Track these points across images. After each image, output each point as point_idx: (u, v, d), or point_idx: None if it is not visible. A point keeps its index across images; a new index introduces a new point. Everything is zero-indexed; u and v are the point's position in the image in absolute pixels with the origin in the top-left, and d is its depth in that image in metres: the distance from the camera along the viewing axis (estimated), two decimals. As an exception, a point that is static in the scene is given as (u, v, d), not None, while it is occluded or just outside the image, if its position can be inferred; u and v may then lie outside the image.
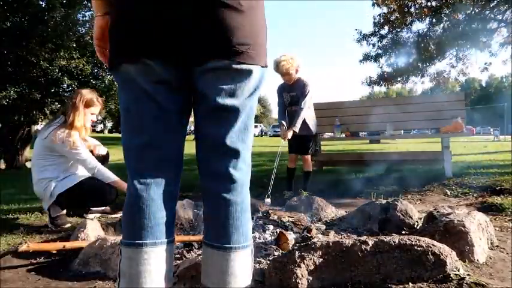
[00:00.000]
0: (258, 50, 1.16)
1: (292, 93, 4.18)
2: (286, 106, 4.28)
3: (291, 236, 2.29)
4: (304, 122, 4.14)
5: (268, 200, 3.65)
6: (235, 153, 1.20)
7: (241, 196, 1.22)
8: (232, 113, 1.18)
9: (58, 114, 3.40)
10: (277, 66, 4.06)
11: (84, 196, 3.16)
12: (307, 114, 4.19)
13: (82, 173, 3.20)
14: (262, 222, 2.64)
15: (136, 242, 1.12)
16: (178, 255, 2.26)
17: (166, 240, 1.16)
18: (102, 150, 3.51)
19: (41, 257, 2.29)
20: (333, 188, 4.49)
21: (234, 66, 1.12)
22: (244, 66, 1.14)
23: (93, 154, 3.32)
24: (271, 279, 1.69)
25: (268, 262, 1.91)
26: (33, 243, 2.43)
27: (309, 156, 4.43)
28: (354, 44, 14.13)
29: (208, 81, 1.14)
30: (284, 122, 4.18)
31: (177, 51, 1.09)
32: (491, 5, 10.75)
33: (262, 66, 1.20)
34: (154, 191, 1.15)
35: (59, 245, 2.30)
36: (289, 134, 4.00)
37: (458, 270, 1.65)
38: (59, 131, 3.04)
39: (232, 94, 1.15)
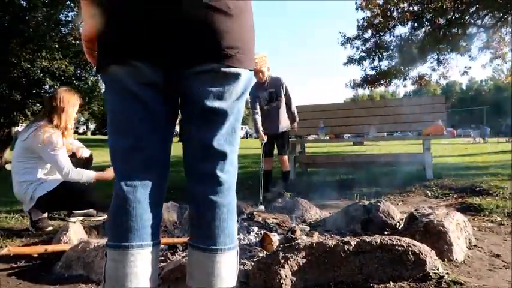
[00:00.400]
0: (246, 54, 1.17)
1: (271, 89, 4.29)
2: (263, 106, 4.33)
3: (276, 238, 2.31)
4: (284, 117, 4.38)
5: (262, 207, 3.59)
6: (222, 156, 1.21)
7: (228, 198, 1.23)
8: (221, 116, 1.18)
9: (40, 115, 3.33)
10: None
11: (65, 199, 3.10)
12: (284, 110, 4.41)
13: (51, 175, 3.14)
14: (247, 224, 2.65)
15: (123, 244, 1.11)
16: (163, 258, 2.25)
17: (152, 242, 1.16)
18: (85, 152, 3.46)
19: (21, 260, 2.25)
20: (317, 189, 4.53)
21: (223, 69, 1.13)
22: (232, 70, 1.14)
23: (76, 157, 3.28)
24: (256, 280, 1.70)
25: (253, 263, 1.92)
26: (14, 246, 2.39)
27: (287, 156, 4.55)
28: (338, 46, 14.26)
29: (197, 83, 1.14)
30: (261, 128, 4.25)
31: (166, 53, 1.09)
32: (470, 11, 11.02)
33: (250, 70, 1.21)
34: (141, 193, 1.15)
35: (41, 248, 2.26)
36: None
37: (438, 269, 1.70)
38: (39, 132, 2.97)
39: (220, 97, 1.16)
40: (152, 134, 1.17)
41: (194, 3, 1.08)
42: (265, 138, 4.17)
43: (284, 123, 4.39)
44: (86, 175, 3.09)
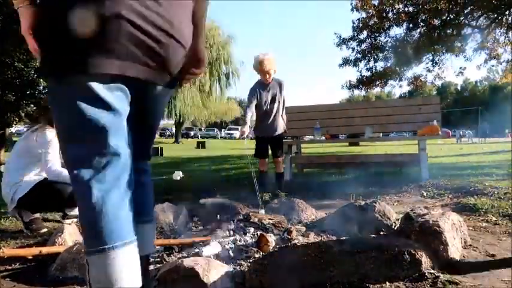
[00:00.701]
0: None
1: (273, 91, 4.31)
2: (263, 105, 4.34)
3: (272, 238, 2.31)
4: (280, 120, 4.41)
5: (262, 211, 3.31)
6: (149, 156, 1.55)
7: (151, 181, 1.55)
8: (156, 126, 1.52)
9: (39, 117, 3.24)
10: (261, 64, 4.18)
11: (44, 199, 3.03)
12: (281, 112, 4.47)
13: (41, 175, 3.10)
14: (243, 225, 2.65)
15: (106, 247, 1.12)
16: (158, 259, 2.25)
17: (134, 238, 1.19)
18: None
19: (16, 263, 2.24)
20: (313, 190, 4.54)
21: (169, 90, 1.41)
22: (172, 91, 1.46)
23: None
24: (252, 281, 1.70)
25: (249, 264, 1.92)
26: (8, 248, 2.37)
27: (281, 158, 4.58)
28: (334, 47, 14.31)
29: (154, 100, 1.37)
30: (249, 122, 4.24)
31: (144, 70, 1.21)
32: (465, 12, 11.10)
33: None
34: (115, 196, 1.16)
35: (35, 250, 2.25)
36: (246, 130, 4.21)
37: (433, 269, 1.70)
38: (41, 133, 2.95)
39: (162, 112, 1.51)
40: (122, 140, 1.22)
41: (169, 35, 1.22)
42: (246, 133, 4.16)
43: (280, 126, 4.43)
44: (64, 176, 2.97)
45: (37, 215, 3.08)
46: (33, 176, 3.04)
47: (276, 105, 4.33)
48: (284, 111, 4.58)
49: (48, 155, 2.99)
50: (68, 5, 1.08)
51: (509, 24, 11.00)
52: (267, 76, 4.21)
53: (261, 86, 4.34)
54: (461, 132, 33.09)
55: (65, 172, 3.00)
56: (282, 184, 4.53)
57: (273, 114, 4.34)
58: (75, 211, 3.37)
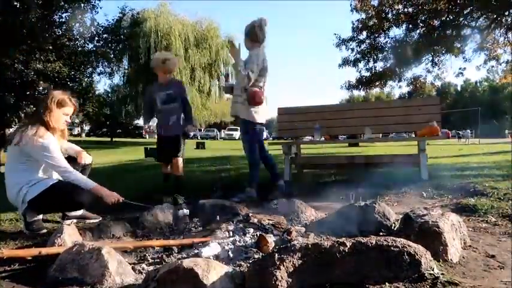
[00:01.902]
0: None
1: (169, 91, 4.23)
2: (157, 105, 4.26)
3: (271, 239, 2.31)
4: (178, 119, 4.27)
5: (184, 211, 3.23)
6: None
7: None
8: None
9: (32, 117, 3.29)
10: (164, 63, 4.17)
11: (57, 200, 3.04)
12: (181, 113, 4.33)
13: (54, 176, 3.11)
14: (243, 226, 2.65)
15: None
16: (158, 260, 2.25)
17: None
18: (88, 159, 3.41)
19: (15, 263, 2.23)
20: (313, 190, 4.54)
21: None
22: None
23: (78, 161, 3.26)
24: (251, 282, 1.70)
25: (249, 265, 1.92)
26: (7, 249, 2.37)
27: (180, 159, 4.30)
28: (334, 47, 14.35)
29: None
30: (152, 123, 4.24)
31: None
32: (465, 12, 11.11)
33: None
34: None
35: (35, 251, 2.24)
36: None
37: (433, 270, 1.70)
38: (30, 133, 2.92)
39: None
40: None
41: None
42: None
43: (178, 126, 4.29)
44: (85, 183, 3.01)
45: (40, 216, 3.07)
46: (41, 179, 3.03)
47: (173, 105, 4.23)
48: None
49: (55, 159, 2.97)
50: None
51: (509, 24, 11.01)
52: (167, 76, 4.26)
53: (156, 86, 4.35)
54: (472, 133, 32.59)
55: (79, 174, 3.03)
56: (180, 190, 4.25)
57: (169, 113, 4.24)
58: (76, 212, 3.38)
